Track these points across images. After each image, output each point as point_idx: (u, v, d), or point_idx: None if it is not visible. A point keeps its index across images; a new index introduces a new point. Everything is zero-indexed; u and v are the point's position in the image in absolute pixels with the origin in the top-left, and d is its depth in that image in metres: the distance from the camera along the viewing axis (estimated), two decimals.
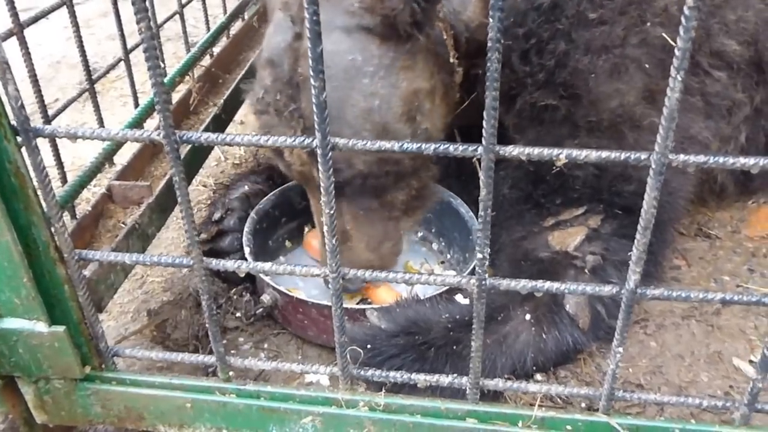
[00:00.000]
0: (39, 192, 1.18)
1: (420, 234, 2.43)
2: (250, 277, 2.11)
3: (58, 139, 1.73)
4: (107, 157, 1.77)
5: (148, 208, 1.82)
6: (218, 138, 1.08)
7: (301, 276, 1.20)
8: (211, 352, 1.34)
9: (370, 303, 2.06)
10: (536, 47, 1.88)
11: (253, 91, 1.87)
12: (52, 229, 1.21)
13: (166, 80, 2.17)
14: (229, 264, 1.21)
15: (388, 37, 1.71)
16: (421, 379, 1.28)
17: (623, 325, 1.12)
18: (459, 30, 1.80)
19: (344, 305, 1.22)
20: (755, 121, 2.20)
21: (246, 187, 2.30)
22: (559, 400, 1.74)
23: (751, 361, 1.85)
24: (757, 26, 2.02)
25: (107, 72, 2.12)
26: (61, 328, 1.29)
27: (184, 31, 2.57)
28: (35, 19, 1.73)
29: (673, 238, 2.19)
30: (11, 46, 1.66)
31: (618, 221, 1.91)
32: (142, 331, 1.95)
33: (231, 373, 1.36)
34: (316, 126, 1.01)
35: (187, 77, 2.36)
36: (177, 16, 2.60)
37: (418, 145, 1.01)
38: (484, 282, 1.11)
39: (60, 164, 1.88)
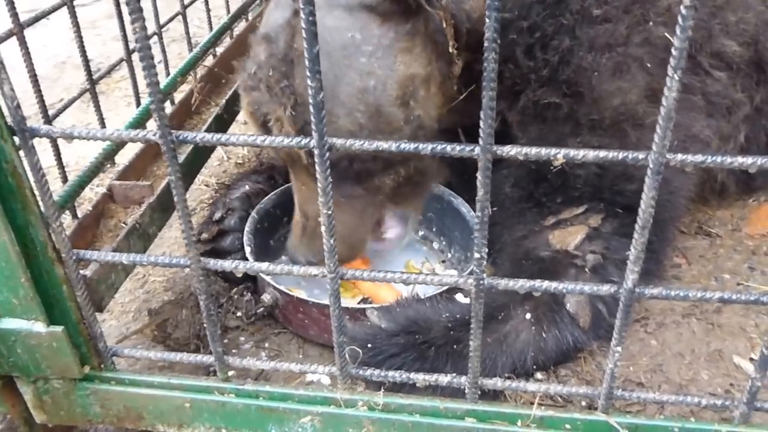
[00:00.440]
0: (36, 192, 1.18)
1: (421, 233, 2.43)
2: (251, 277, 2.11)
3: (59, 139, 1.74)
4: (107, 157, 1.77)
5: (149, 207, 1.82)
6: (215, 138, 1.08)
7: (299, 276, 1.19)
8: (211, 352, 1.34)
9: (370, 302, 2.06)
10: (540, 42, 1.87)
11: (244, 68, 1.85)
12: (50, 229, 1.21)
13: (167, 80, 2.17)
14: (226, 264, 1.21)
15: (389, 16, 1.70)
16: (420, 378, 1.27)
17: (621, 325, 1.11)
18: (460, 19, 1.79)
19: (345, 304, 1.22)
20: (755, 120, 2.20)
21: (247, 187, 2.30)
22: (559, 399, 1.74)
23: (751, 359, 1.85)
24: (757, 27, 2.02)
25: (108, 72, 2.12)
26: (59, 328, 1.29)
27: (187, 32, 2.57)
28: (36, 20, 1.73)
29: (674, 236, 2.19)
30: (13, 47, 1.68)
31: (619, 220, 1.91)
32: (143, 331, 1.95)
33: (231, 373, 1.36)
34: (313, 126, 1.01)
35: (190, 77, 2.36)
36: (181, 17, 2.60)
37: (416, 145, 1.01)
38: (481, 282, 1.11)
39: (60, 164, 1.89)
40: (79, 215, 1.77)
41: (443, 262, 2.34)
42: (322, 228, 1.11)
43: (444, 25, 1.73)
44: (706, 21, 1.93)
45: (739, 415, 1.20)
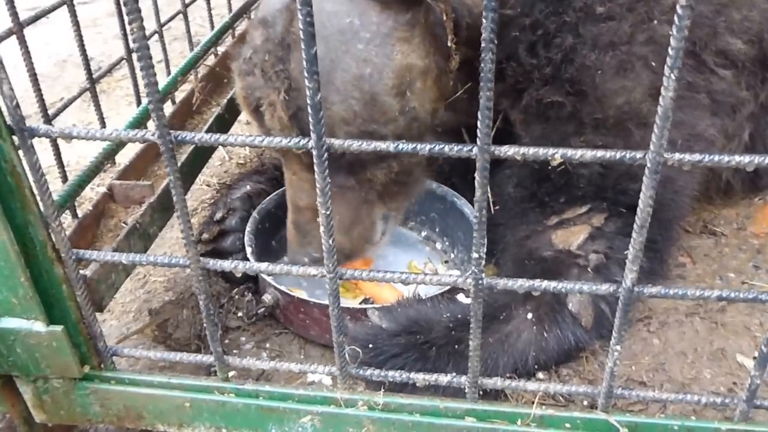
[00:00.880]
0: (36, 191, 1.18)
1: (424, 233, 2.43)
2: (252, 277, 2.11)
3: (59, 139, 1.74)
4: (107, 156, 1.77)
5: (150, 207, 1.82)
6: (214, 138, 1.07)
7: (300, 276, 1.19)
8: (212, 352, 1.33)
9: (372, 302, 2.06)
10: (543, 39, 1.86)
11: (240, 53, 1.84)
12: (49, 229, 1.21)
13: (168, 80, 2.16)
14: (226, 264, 1.21)
15: (389, 5, 1.69)
16: (420, 378, 1.27)
17: (621, 324, 1.11)
18: (461, 14, 1.78)
19: (346, 305, 1.22)
20: (760, 118, 2.19)
21: (248, 187, 2.30)
22: (560, 398, 1.74)
23: (755, 358, 1.84)
24: (761, 25, 2.01)
25: (109, 71, 2.12)
26: (59, 328, 1.29)
27: (188, 31, 2.57)
28: (35, 18, 1.73)
29: (679, 235, 2.18)
30: (14, 46, 1.68)
31: (622, 220, 1.90)
32: (144, 331, 1.95)
33: (232, 373, 1.36)
34: (311, 127, 1.01)
35: (191, 76, 2.36)
36: (182, 15, 2.60)
37: (414, 145, 1.01)
38: (480, 282, 1.11)
39: (60, 163, 1.89)
40: (80, 215, 1.76)
41: (446, 262, 2.33)
42: (321, 228, 1.10)
43: (444, 18, 1.72)
44: (710, 19, 1.92)
45: (739, 412, 1.20)
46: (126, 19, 0.97)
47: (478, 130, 0.95)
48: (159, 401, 1.39)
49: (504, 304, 1.79)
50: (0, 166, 1.14)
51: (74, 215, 1.80)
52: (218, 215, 2.18)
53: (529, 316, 1.77)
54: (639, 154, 0.93)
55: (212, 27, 2.69)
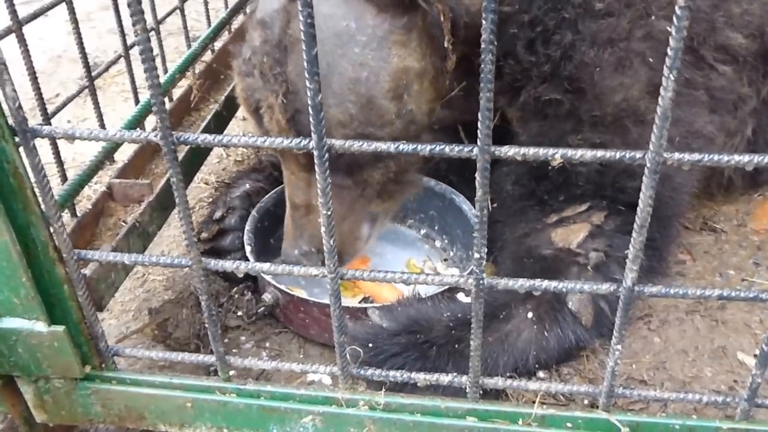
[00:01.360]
0: (37, 192, 1.17)
1: (423, 231, 2.43)
2: (252, 276, 2.10)
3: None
4: (106, 155, 1.77)
5: (149, 206, 1.82)
6: (215, 139, 1.07)
7: (299, 276, 1.19)
8: (212, 352, 1.33)
9: (372, 302, 2.06)
10: (542, 36, 1.85)
11: (240, 53, 1.83)
12: (51, 229, 1.21)
13: (166, 77, 2.16)
14: (227, 264, 1.21)
15: (385, 8, 1.68)
16: (421, 378, 1.27)
17: (621, 323, 1.11)
18: (458, 13, 1.77)
19: (346, 304, 1.22)
20: (762, 113, 2.18)
21: (247, 185, 2.29)
22: (561, 397, 1.74)
23: (755, 356, 1.84)
24: (762, 18, 1.99)
25: (107, 69, 2.11)
26: (60, 328, 1.29)
27: (185, 27, 2.56)
28: (34, 16, 1.72)
29: (678, 233, 2.18)
30: (11, 43, 1.67)
31: (622, 218, 1.90)
32: (144, 330, 1.95)
33: (232, 373, 1.36)
34: (312, 128, 1.01)
35: (188, 73, 2.35)
36: (179, 11, 2.59)
37: (414, 146, 1.01)
38: (481, 281, 1.11)
39: (60, 163, 1.88)
40: (78, 213, 1.76)
41: (445, 260, 2.33)
42: (322, 229, 1.10)
43: (442, 19, 1.72)
44: (708, 13, 1.90)
45: (741, 411, 1.20)
46: (125, 12, 0.96)
47: (478, 131, 0.95)
48: (160, 401, 1.39)
49: (504, 303, 1.79)
50: (2, 167, 1.13)
51: (73, 214, 1.80)
52: (218, 214, 2.18)
53: (530, 315, 1.77)
54: (639, 154, 0.93)
55: (209, 22, 2.68)
